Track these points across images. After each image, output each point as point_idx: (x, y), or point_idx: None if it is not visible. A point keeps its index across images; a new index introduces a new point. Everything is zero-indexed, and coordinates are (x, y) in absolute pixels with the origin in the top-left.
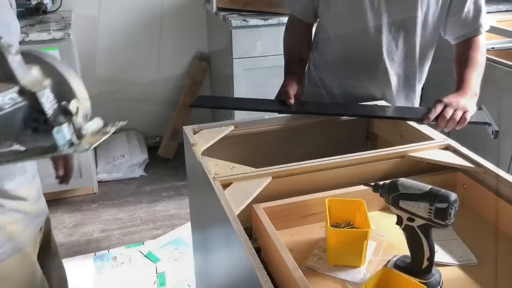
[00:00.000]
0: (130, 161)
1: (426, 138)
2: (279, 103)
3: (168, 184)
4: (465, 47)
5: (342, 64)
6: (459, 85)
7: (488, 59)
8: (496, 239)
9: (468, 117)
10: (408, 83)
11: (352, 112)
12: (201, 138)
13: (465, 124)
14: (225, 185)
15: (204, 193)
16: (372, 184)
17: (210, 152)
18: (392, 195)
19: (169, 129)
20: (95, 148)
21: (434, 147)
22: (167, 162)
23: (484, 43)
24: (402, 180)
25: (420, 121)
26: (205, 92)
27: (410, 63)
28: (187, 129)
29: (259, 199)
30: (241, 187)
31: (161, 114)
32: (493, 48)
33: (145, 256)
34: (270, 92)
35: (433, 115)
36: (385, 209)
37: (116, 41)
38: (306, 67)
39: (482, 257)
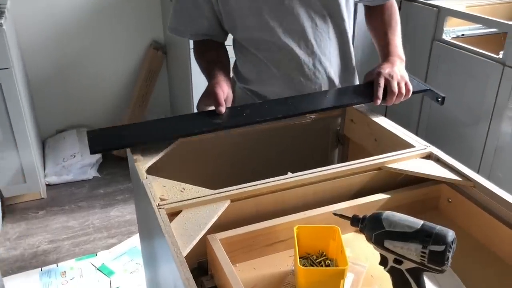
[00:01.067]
0: (82, 162)
1: (404, 144)
2: (207, 116)
3: (123, 186)
4: (382, 10)
5: (275, 74)
6: (386, 52)
7: (458, 47)
8: (489, 263)
9: (411, 86)
10: (346, 69)
11: (296, 110)
12: (145, 150)
13: (410, 95)
14: (174, 214)
15: (149, 221)
16: (350, 216)
17: (158, 167)
18: (375, 233)
19: None
20: (43, 148)
21: (414, 156)
22: (122, 161)
23: (396, 4)
24: (387, 214)
25: (369, 102)
26: (163, 84)
27: (345, 48)
28: None
29: (215, 227)
30: (193, 215)
31: (115, 108)
32: (463, 35)
33: (98, 269)
34: None
35: (380, 93)
36: None
37: (63, 29)
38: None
39: (474, 286)
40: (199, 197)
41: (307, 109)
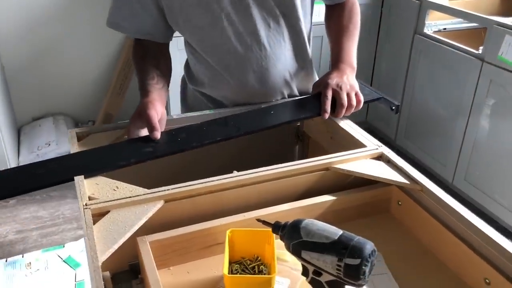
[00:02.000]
0: (57, 150)
1: (357, 143)
2: (137, 143)
3: None
4: (340, 10)
5: (227, 79)
6: (336, 59)
7: (439, 41)
8: (432, 270)
9: (361, 96)
10: (304, 70)
11: (237, 131)
12: (86, 146)
13: (361, 106)
14: (101, 214)
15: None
16: (272, 223)
17: None
18: (293, 242)
19: (101, 114)
20: (18, 135)
21: (364, 157)
22: None
23: (358, 4)
24: (306, 223)
25: (317, 116)
26: None
27: (301, 49)
28: (72, 134)
29: (149, 228)
30: (121, 216)
31: (93, 97)
32: (445, 29)
33: (64, 261)
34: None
35: (328, 106)
36: None
37: (39, 14)
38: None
39: None
40: (130, 196)
41: (248, 129)
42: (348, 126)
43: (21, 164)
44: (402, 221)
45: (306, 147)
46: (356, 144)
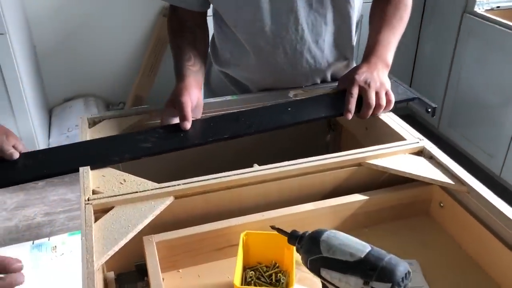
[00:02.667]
0: None
1: (395, 135)
2: (166, 131)
3: None
4: (387, 1)
5: (254, 60)
6: (370, 52)
7: (491, 20)
8: (476, 282)
9: (392, 96)
10: (343, 61)
11: (247, 128)
12: (99, 133)
13: (391, 106)
14: (104, 210)
15: None
16: (288, 232)
17: None
18: (310, 257)
19: (131, 96)
20: (50, 117)
21: (403, 151)
22: None
23: None
24: (328, 235)
25: (340, 116)
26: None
27: (344, 37)
28: (83, 120)
29: (158, 227)
30: (125, 213)
31: (124, 79)
32: (498, 7)
33: None
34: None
35: (352, 105)
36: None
37: None
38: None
39: None
40: (137, 191)
41: (260, 128)
42: (386, 116)
43: (51, 145)
44: (444, 225)
45: (339, 138)
46: (394, 136)
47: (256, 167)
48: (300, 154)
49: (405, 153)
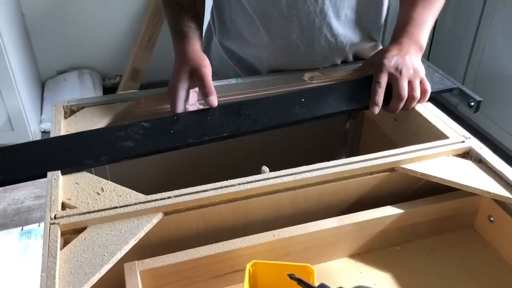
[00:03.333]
0: None
1: (434, 131)
2: (153, 125)
3: None
4: None
5: (264, 35)
6: (401, 31)
7: None
8: None
9: (428, 85)
10: (369, 42)
11: (252, 125)
12: (76, 124)
13: (427, 98)
14: (75, 231)
15: None
16: (312, 286)
17: None
18: None
19: (128, 69)
20: (42, 91)
21: (445, 153)
22: None
23: None
24: None
25: (364, 109)
26: None
27: (373, 13)
28: (58, 107)
29: (142, 248)
30: (101, 237)
31: (120, 50)
32: None
33: None
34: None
35: (380, 97)
36: (359, 254)
37: None
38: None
39: None
40: (116, 207)
41: (267, 124)
42: (422, 106)
43: (43, 122)
44: (493, 243)
45: (359, 128)
46: (432, 132)
47: (265, 170)
48: (313, 148)
49: (447, 155)
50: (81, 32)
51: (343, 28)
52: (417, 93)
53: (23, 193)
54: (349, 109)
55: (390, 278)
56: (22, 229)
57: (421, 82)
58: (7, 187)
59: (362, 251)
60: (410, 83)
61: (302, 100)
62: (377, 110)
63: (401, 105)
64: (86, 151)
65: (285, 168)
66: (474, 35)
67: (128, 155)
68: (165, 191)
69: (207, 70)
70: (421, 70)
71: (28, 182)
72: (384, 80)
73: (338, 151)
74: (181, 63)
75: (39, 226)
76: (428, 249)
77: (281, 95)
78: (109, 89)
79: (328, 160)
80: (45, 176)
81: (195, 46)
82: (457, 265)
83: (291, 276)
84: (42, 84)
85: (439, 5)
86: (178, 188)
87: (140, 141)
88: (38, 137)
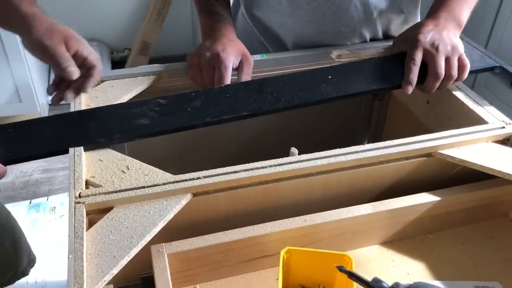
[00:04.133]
0: None
1: (472, 117)
2: (171, 102)
3: None
4: None
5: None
6: (440, 4)
7: None
8: None
9: (467, 62)
10: (399, 11)
11: (278, 103)
12: (96, 98)
13: (465, 76)
14: (101, 211)
15: None
16: (368, 281)
17: None
18: None
19: (138, 42)
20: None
21: (484, 139)
22: None
23: None
24: None
25: (396, 88)
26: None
27: None
28: None
29: (169, 231)
30: (128, 218)
31: (129, 23)
32: None
33: None
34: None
35: (414, 75)
36: (391, 241)
37: None
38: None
39: None
40: (143, 187)
41: (290, 103)
42: (458, 88)
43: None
44: None
45: (385, 109)
46: (469, 117)
47: (294, 152)
48: (335, 130)
49: (487, 141)
50: (90, 4)
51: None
52: (455, 71)
53: (30, 165)
54: (379, 88)
55: (423, 267)
56: (30, 202)
57: (460, 59)
58: None
59: (395, 239)
60: (447, 60)
61: (329, 77)
62: (410, 89)
63: (437, 84)
64: (99, 128)
65: (307, 149)
66: (494, 20)
67: (142, 134)
68: (188, 171)
69: (227, 57)
70: (460, 46)
71: None
72: (419, 56)
73: (360, 134)
74: (218, 39)
75: (47, 199)
76: (462, 238)
77: (306, 72)
78: (117, 63)
79: (350, 143)
80: (65, 152)
81: (223, 33)
82: (493, 256)
83: (341, 269)
84: None
85: None
86: (199, 170)
87: (155, 119)
88: (45, 109)
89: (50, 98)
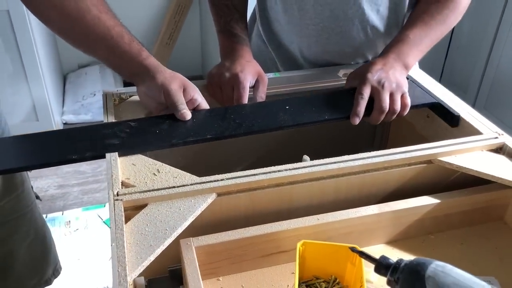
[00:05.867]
0: (102, 101)
1: (468, 128)
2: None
3: None
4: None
5: (293, 20)
6: (392, 46)
7: None
8: None
9: (409, 100)
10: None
11: (239, 128)
12: (125, 111)
13: (406, 112)
14: (136, 208)
15: None
16: (375, 258)
17: None
18: None
19: None
20: (64, 84)
21: (479, 148)
22: None
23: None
24: (435, 269)
25: (345, 119)
26: (194, 21)
27: (403, 11)
28: (108, 96)
29: (196, 227)
30: (162, 214)
31: None
32: None
33: (104, 222)
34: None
35: (361, 108)
36: (396, 241)
37: None
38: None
39: None
40: (174, 186)
41: (251, 129)
42: (455, 103)
43: (65, 114)
44: None
45: (387, 125)
46: (465, 129)
47: (306, 159)
48: (342, 142)
49: (482, 150)
50: None
51: (375, 21)
52: (398, 106)
53: (46, 182)
54: (330, 118)
55: None
56: (46, 217)
57: (403, 96)
58: (31, 175)
59: (399, 238)
60: (391, 96)
61: (286, 107)
62: (357, 120)
63: (382, 117)
64: (75, 145)
65: (318, 158)
66: (493, 40)
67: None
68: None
69: (244, 77)
70: (404, 84)
71: (52, 172)
72: (367, 92)
73: (365, 146)
74: (236, 60)
75: (62, 214)
76: (460, 239)
77: (266, 102)
78: (130, 84)
79: (357, 153)
80: (102, 157)
81: (240, 55)
82: (489, 254)
83: (353, 249)
84: (64, 77)
85: (441, 31)
86: None
87: (125, 139)
88: (60, 128)
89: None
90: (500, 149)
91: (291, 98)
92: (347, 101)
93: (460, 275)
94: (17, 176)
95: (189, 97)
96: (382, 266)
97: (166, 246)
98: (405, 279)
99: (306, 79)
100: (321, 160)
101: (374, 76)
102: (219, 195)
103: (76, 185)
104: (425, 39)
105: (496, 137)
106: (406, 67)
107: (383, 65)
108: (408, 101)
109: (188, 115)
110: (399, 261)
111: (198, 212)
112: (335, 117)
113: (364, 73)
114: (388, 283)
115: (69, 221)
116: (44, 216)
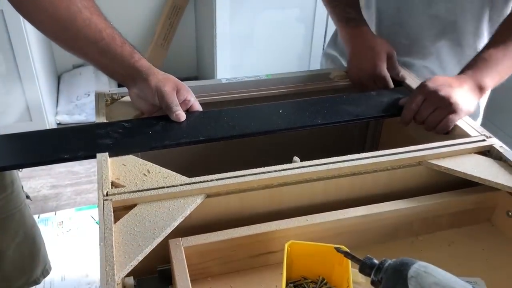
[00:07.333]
0: None
1: (457, 130)
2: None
3: None
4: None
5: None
6: (466, 67)
7: None
8: None
9: (456, 120)
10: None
11: (248, 129)
12: (117, 111)
13: (447, 130)
14: (125, 208)
15: None
16: (360, 259)
17: None
18: None
19: None
20: (58, 84)
21: (467, 151)
22: None
23: None
24: (417, 270)
25: (338, 124)
26: (189, 22)
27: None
28: (100, 96)
29: (185, 227)
30: (151, 214)
31: (137, 47)
32: None
33: (96, 222)
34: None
35: (410, 113)
36: (384, 242)
37: None
38: None
39: None
40: (163, 187)
41: (244, 131)
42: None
43: (59, 114)
44: (511, 237)
45: (379, 126)
46: (453, 131)
47: (296, 160)
48: (334, 143)
49: (470, 152)
50: None
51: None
52: (436, 118)
53: (39, 182)
54: (322, 123)
55: None
56: (38, 217)
57: (449, 116)
58: (24, 176)
59: (387, 240)
60: (437, 110)
61: (280, 111)
62: (404, 124)
63: (409, 118)
64: (68, 145)
65: (309, 159)
66: None
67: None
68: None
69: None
70: (463, 106)
71: (45, 172)
72: (419, 99)
73: (357, 149)
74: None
75: (55, 214)
76: (448, 240)
77: (261, 105)
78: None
79: (348, 154)
80: (94, 156)
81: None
82: (476, 256)
83: (338, 249)
84: (58, 77)
85: None
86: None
87: (118, 139)
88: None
89: (57, 117)
90: (488, 152)
91: (285, 102)
92: (339, 106)
93: (442, 276)
94: (7, 176)
95: (183, 99)
96: (366, 266)
97: (154, 246)
98: (388, 279)
99: (298, 81)
100: (311, 161)
101: (434, 85)
102: (208, 196)
103: (69, 185)
104: (503, 59)
105: (484, 140)
106: (480, 88)
107: (452, 79)
108: (450, 123)
109: (182, 116)
110: (383, 261)
111: (187, 212)
112: (327, 122)
113: (428, 82)
114: (372, 283)
115: (62, 222)
116: (36, 216)
